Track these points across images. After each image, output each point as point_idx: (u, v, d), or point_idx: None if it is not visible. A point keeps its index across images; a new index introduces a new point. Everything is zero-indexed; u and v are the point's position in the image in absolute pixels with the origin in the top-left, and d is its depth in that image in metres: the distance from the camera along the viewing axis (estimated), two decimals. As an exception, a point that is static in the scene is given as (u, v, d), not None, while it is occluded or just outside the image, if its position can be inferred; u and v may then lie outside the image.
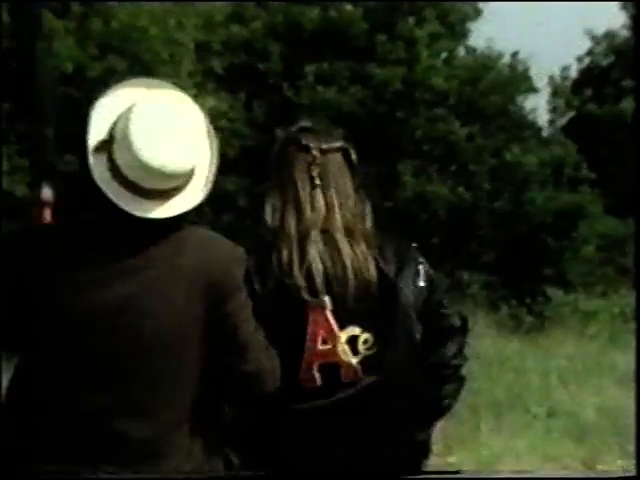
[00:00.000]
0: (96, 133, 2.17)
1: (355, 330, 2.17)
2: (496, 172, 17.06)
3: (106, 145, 2.15)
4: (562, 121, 22.66)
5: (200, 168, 2.16)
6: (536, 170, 17.04)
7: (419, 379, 2.27)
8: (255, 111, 16.36)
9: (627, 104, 20.79)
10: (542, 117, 23.08)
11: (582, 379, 8.72)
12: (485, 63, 18.60)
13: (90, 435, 2.02)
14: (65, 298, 2.02)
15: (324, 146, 2.28)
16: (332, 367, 2.15)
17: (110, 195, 2.09)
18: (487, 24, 23.94)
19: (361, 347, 2.17)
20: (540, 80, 20.59)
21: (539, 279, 15.76)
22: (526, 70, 19.47)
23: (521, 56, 19.51)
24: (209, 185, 2.14)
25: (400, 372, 2.20)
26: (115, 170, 2.12)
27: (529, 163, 16.93)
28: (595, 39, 22.94)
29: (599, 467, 6.24)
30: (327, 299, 2.14)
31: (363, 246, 2.20)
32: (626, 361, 9.65)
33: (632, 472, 4.83)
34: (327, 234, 2.20)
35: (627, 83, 21.19)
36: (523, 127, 19.19)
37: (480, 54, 19.28)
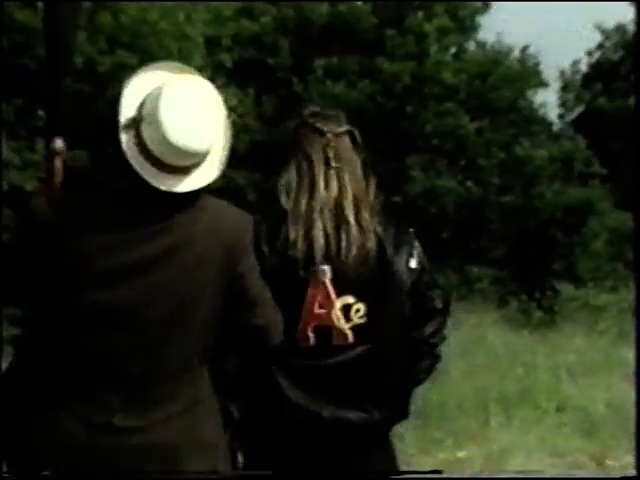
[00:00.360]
0: (126, 111, 2.34)
1: (349, 299, 2.39)
2: (505, 167, 17.03)
3: (134, 123, 2.33)
4: (572, 115, 22.62)
5: (215, 148, 2.36)
6: (546, 165, 17.00)
7: (403, 351, 2.47)
8: (264, 106, 16.36)
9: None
10: (552, 111, 23.05)
11: (592, 374, 8.70)
12: (495, 57, 18.56)
13: (105, 375, 2.20)
14: (94, 255, 2.22)
15: (336, 130, 2.51)
16: (325, 330, 2.37)
17: (137, 169, 2.29)
18: (497, 18, 23.92)
19: (353, 315, 2.39)
20: (550, 74, 20.56)
21: (549, 274, 15.75)
22: (536, 64, 19.43)
23: (531, 50, 19.49)
24: (223, 163, 2.35)
25: (388, 343, 2.42)
26: (142, 146, 2.31)
27: (539, 158, 16.89)
28: (605, 33, 22.88)
29: (608, 462, 6.24)
30: (327, 268, 2.36)
31: (367, 221, 2.43)
32: (635, 356, 9.64)
33: (632, 472, 4.85)
34: (337, 211, 2.41)
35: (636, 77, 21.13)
36: (533, 121, 19.14)
37: (490, 48, 19.24)
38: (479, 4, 18.57)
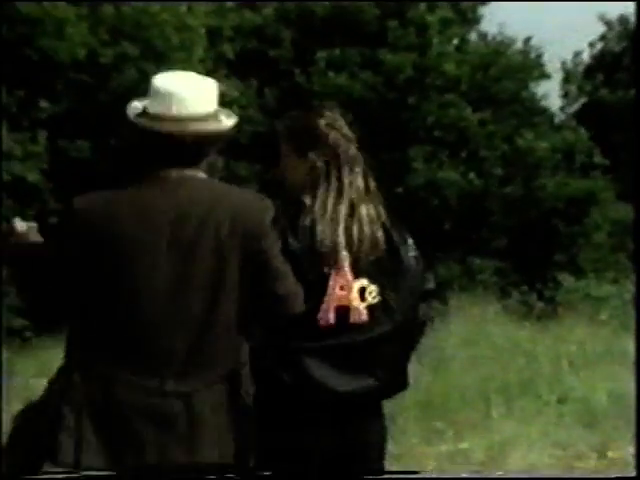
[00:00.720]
0: (134, 108, 2.55)
1: (364, 282, 2.64)
2: (507, 158, 17.04)
3: (142, 114, 2.53)
4: (574, 107, 22.59)
5: (221, 115, 2.58)
6: (548, 156, 17.00)
7: (410, 328, 2.74)
8: (266, 97, 16.37)
9: (639, 90, 20.72)
10: (554, 103, 23.02)
11: (593, 365, 8.69)
12: (497, 49, 18.56)
13: (154, 347, 2.45)
14: (131, 244, 2.45)
15: (346, 131, 2.76)
16: (344, 310, 2.61)
17: (147, 124, 2.49)
18: (499, 10, 23.88)
19: (368, 296, 2.64)
20: (552, 66, 20.54)
21: (550, 265, 15.76)
22: (538, 56, 19.42)
23: (533, 42, 19.48)
24: (231, 123, 2.57)
25: (398, 320, 2.67)
26: (149, 117, 2.51)
27: (541, 149, 16.90)
28: (608, 24, 22.84)
29: (610, 453, 6.24)
30: (346, 255, 2.63)
31: (375, 213, 2.71)
32: (637, 347, 9.64)
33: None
34: (352, 204, 2.69)
35: (640, 69, 21.10)
36: (535, 113, 19.14)
37: (492, 40, 19.24)
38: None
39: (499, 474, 5.58)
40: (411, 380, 2.85)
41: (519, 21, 21.91)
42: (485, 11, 18.80)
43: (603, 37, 22.86)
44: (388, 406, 2.91)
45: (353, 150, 2.75)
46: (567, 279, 14.66)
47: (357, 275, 2.64)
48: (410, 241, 2.76)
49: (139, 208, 2.46)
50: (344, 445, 2.67)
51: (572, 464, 6.09)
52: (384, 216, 2.73)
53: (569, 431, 6.74)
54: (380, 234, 2.69)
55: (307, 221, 2.64)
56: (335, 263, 2.63)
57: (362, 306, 2.63)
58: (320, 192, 2.70)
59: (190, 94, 2.51)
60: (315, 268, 2.62)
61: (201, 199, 2.48)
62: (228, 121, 2.57)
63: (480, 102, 17.39)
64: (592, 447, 6.36)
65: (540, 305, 13.03)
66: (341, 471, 2.69)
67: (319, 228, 2.63)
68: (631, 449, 6.22)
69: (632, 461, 6.00)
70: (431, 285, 2.83)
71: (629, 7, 20.84)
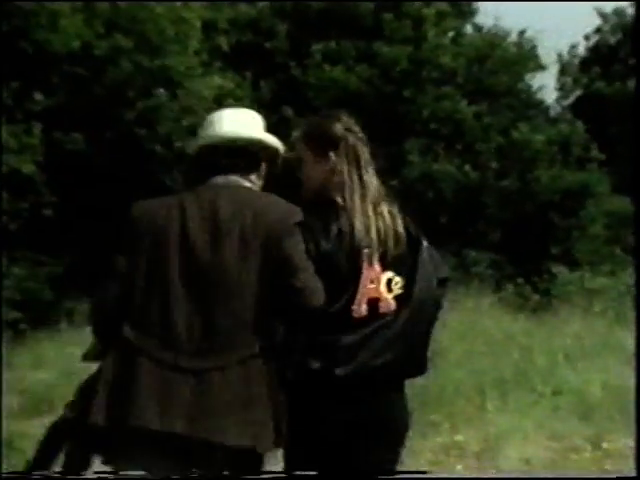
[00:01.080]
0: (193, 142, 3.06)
1: (390, 274, 2.90)
2: (503, 151, 17.02)
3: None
4: (570, 99, 22.59)
5: (268, 137, 3.02)
6: (543, 149, 16.99)
7: (432, 315, 2.99)
8: (262, 90, 16.33)
9: (635, 82, 20.69)
10: (550, 95, 23.03)
11: (588, 357, 8.71)
12: (492, 41, 18.53)
13: (176, 327, 2.75)
14: (172, 241, 2.82)
15: (360, 134, 3.03)
16: (374, 301, 2.86)
17: (203, 142, 2.98)
18: (494, 2, 23.85)
19: (394, 287, 2.89)
20: (548, 58, 20.53)
21: (546, 257, 15.76)
22: (534, 48, 19.40)
23: (529, 34, 19.46)
24: (273, 141, 3.00)
25: (420, 308, 2.91)
26: (202, 138, 3.00)
27: (536, 142, 16.88)
28: (604, 16, 22.82)
29: (605, 445, 6.26)
30: (375, 250, 2.88)
31: (394, 210, 2.97)
32: (632, 339, 9.66)
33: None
34: (369, 201, 2.94)
35: (635, 61, 21.08)
36: (530, 105, 19.13)
37: (487, 32, 19.21)
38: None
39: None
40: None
41: (514, 13, 21.90)
42: (481, 4, 18.74)
43: (599, 29, 22.85)
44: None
45: (367, 153, 3.01)
46: (562, 271, 14.68)
47: (384, 268, 2.90)
48: (420, 233, 3.01)
49: (179, 209, 2.84)
50: (371, 418, 2.88)
51: (567, 456, 6.11)
52: (401, 213, 2.99)
53: (564, 423, 6.76)
54: (401, 230, 2.95)
55: (343, 220, 2.90)
56: (368, 258, 2.86)
57: (390, 297, 2.88)
58: (347, 193, 2.94)
59: (237, 117, 3.02)
60: (349, 265, 2.86)
61: (234, 200, 2.83)
62: (273, 139, 2.99)
63: (476, 95, 17.38)
64: (587, 439, 6.38)
65: (535, 297, 13.05)
66: (370, 442, 2.90)
67: (355, 226, 2.89)
68: (626, 441, 6.24)
69: (627, 453, 6.02)
70: (445, 274, 3.06)
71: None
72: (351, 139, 2.99)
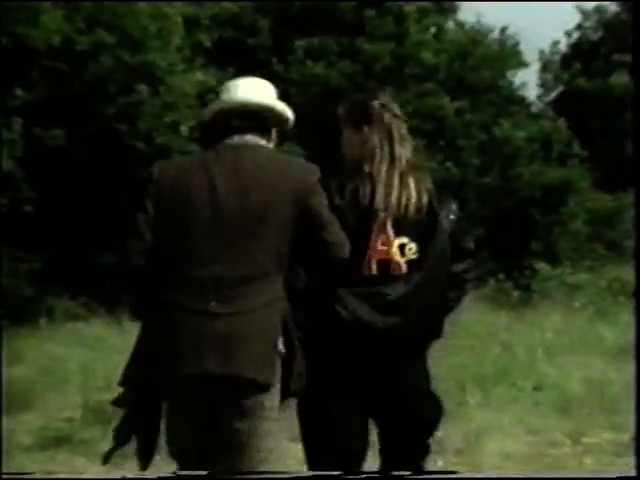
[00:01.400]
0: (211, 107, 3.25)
1: (404, 240, 3.05)
2: (485, 147, 17.06)
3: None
4: (551, 96, 22.67)
5: (279, 103, 3.21)
6: (525, 145, 17.04)
7: (444, 282, 3.13)
8: (244, 86, 16.29)
9: (616, 78, 20.78)
10: (531, 92, 23.09)
11: (568, 352, 8.73)
12: (474, 38, 18.56)
13: (205, 276, 2.94)
14: (195, 194, 2.99)
15: (398, 112, 3.23)
16: (385, 263, 3.02)
17: (217, 108, 3.16)
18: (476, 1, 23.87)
19: (407, 251, 3.05)
20: (530, 55, 20.59)
21: (527, 254, 15.82)
22: (515, 45, 19.45)
23: (510, 31, 19.51)
24: (283, 107, 3.20)
25: (433, 274, 3.08)
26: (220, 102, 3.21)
27: (518, 138, 16.93)
28: (585, 14, 22.92)
29: (584, 440, 6.28)
30: (388, 214, 3.03)
31: (422, 183, 3.13)
32: (612, 334, 9.70)
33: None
34: (402, 174, 3.12)
35: (617, 57, 21.18)
36: (512, 102, 19.17)
37: (469, 29, 19.24)
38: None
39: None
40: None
41: (496, 11, 21.95)
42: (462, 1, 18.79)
43: (580, 26, 22.94)
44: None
45: (404, 129, 3.21)
46: (544, 267, 14.73)
47: (399, 233, 3.05)
48: (453, 207, 3.22)
49: (202, 165, 3.03)
50: (387, 384, 3.07)
51: (547, 451, 6.12)
52: (429, 185, 3.15)
53: (544, 418, 6.77)
54: (425, 200, 3.10)
55: (363, 184, 3.09)
56: (381, 222, 3.04)
57: (402, 260, 3.04)
58: (375, 162, 3.13)
59: (251, 84, 3.21)
60: (359, 224, 3.03)
61: (256, 157, 3.03)
62: (283, 106, 3.17)
63: (457, 91, 17.40)
64: (566, 434, 6.39)
65: (516, 293, 13.09)
66: (391, 411, 3.13)
67: (377, 191, 3.08)
68: (605, 435, 6.27)
69: (606, 448, 6.05)
70: (469, 245, 3.26)
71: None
72: (386, 116, 3.18)
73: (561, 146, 17.44)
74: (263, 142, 3.12)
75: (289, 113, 3.22)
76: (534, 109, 21.47)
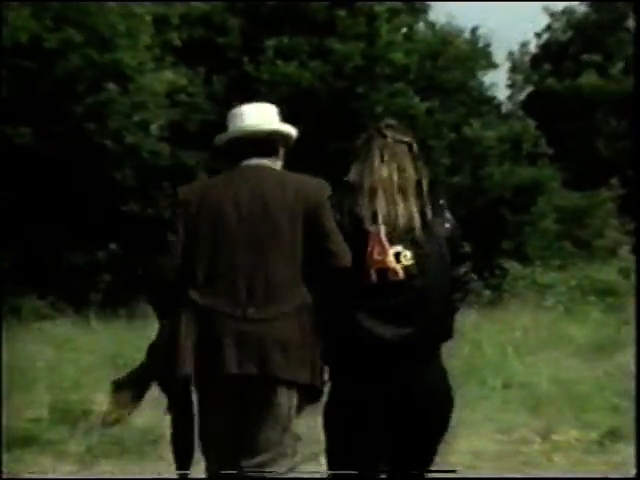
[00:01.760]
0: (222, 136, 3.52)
1: (399, 248, 3.25)
2: (455, 147, 17.11)
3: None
4: (521, 96, 22.79)
5: (283, 125, 3.55)
6: (495, 145, 17.11)
7: (444, 285, 3.32)
8: (215, 85, 16.25)
9: (586, 79, 20.92)
10: (501, 92, 23.21)
11: (537, 351, 8.78)
12: (445, 38, 18.61)
13: (241, 283, 3.25)
14: (223, 211, 3.32)
15: (396, 137, 3.48)
16: (383, 271, 3.22)
17: (231, 136, 3.47)
18: (447, 1, 23.97)
19: (402, 259, 3.25)
20: (500, 56, 20.68)
21: (497, 253, 15.88)
22: (486, 46, 19.53)
23: (481, 32, 19.59)
24: (289, 128, 3.53)
25: (430, 278, 3.27)
26: (230, 131, 3.51)
27: (488, 138, 17.00)
28: (553, 15, 23.06)
29: (554, 437, 6.30)
30: (382, 227, 3.25)
31: (412, 201, 3.35)
32: (581, 333, 9.76)
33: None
34: (388, 191, 3.35)
35: (585, 58, 21.33)
36: (482, 102, 19.25)
37: (440, 29, 19.30)
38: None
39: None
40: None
41: (467, 11, 22.03)
42: (433, 1, 18.83)
43: (549, 27, 23.08)
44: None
45: (409, 158, 3.47)
46: (514, 267, 14.79)
47: (393, 243, 3.25)
48: (447, 215, 3.44)
49: (227, 181, 3.39)
50: (403, 390, 3.24)
51: (516, 448, 6.14)
52: (421, 201, 3.37)
53: (514, 416, 6.80)
54: (414, 214, 3.32)
55: (362, 201, 3.32)
56: (375, 234, 3.23)
57: (398, 267, 3.23)
58: (378, 184, 3.35)
59: (256, 111, 3.52)
60: (356, 237, 3.24)
61: (270, 178, 3.37)
62: (287, 127, 3.50)
63: (428, 91, 17.44)
64: (536, 431, 6.42)
65: (487, 293, 13.13)
66: (409, 415, 3.27)
67: (378, 208, 3.29)
68: (574, 432, 6.30)
69: (576, 445, 6.08)
70: (465, 250, 3.46)
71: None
72: (391, 145, 3.46)
73: (530, 146, 17.54)
74: (275, 162, 3.47)
75: (293, 132, 3.54)
76: (504, 110, 21.58)
